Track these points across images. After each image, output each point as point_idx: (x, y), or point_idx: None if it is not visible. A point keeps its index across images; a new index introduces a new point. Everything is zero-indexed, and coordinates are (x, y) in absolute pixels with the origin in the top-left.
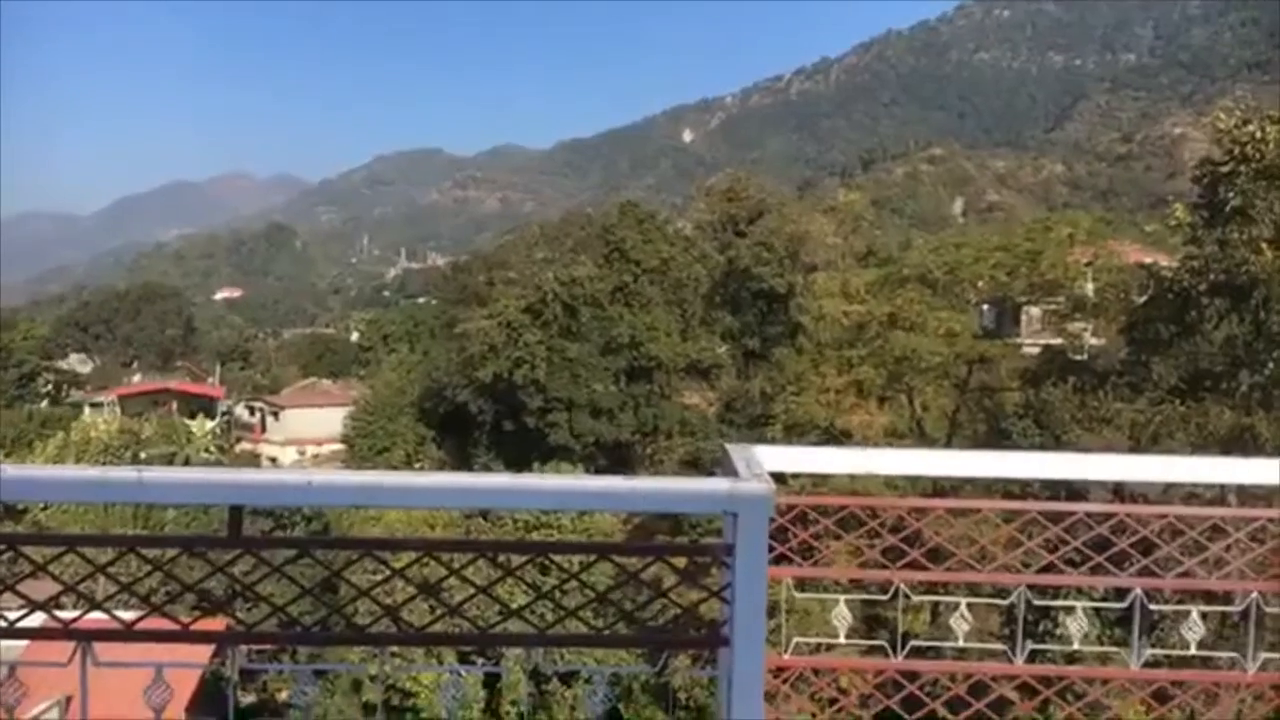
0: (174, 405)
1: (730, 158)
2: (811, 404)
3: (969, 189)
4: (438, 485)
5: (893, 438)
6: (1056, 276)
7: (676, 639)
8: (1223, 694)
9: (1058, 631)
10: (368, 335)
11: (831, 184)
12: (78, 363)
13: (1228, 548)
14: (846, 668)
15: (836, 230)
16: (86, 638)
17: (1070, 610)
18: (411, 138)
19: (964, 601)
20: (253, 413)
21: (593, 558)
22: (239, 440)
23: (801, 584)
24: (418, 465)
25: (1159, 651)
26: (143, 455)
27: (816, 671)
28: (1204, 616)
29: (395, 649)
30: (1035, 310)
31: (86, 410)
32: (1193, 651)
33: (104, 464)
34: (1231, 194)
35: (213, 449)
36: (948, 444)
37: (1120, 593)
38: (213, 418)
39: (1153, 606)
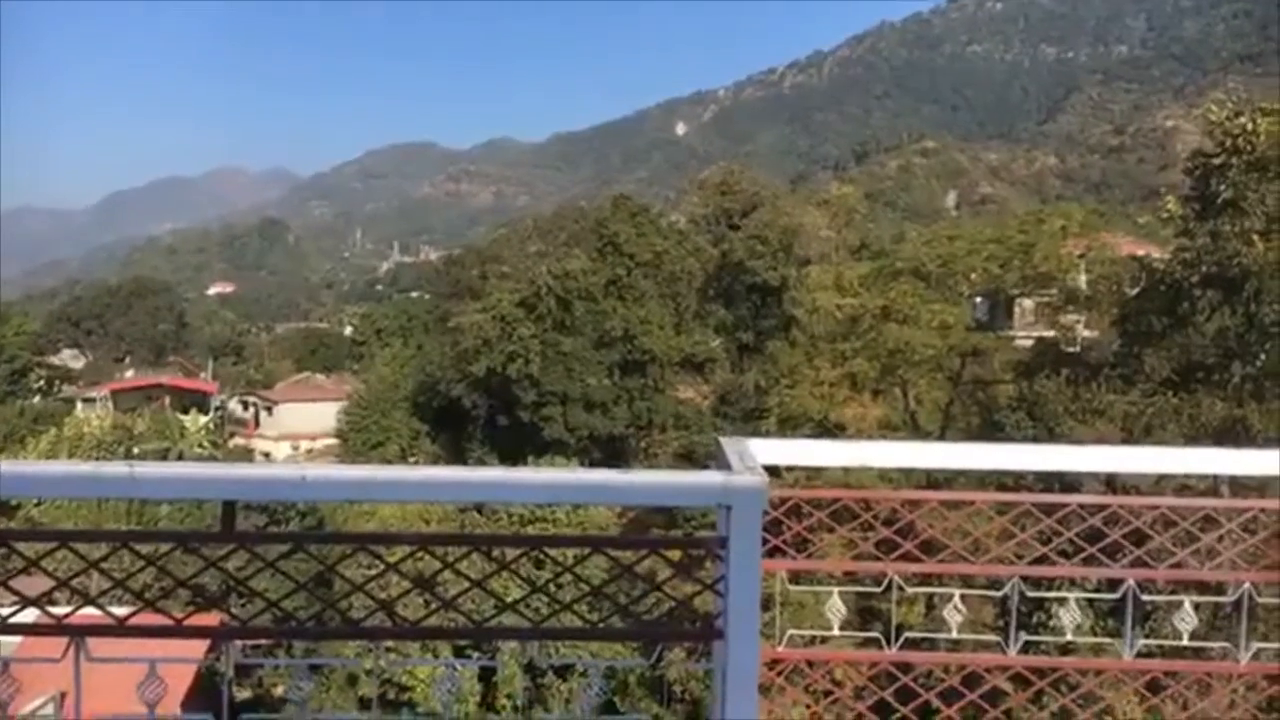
0: (167, 400)
1: (723, 151)
2: (805, 397)
3: (962, 181)
4: (432, 479)
5: (886, 430)
6: (1049, 269)
7: (671, 632)
8: (1215, 684)
9: (1051, 623)
10: (361, 329)
11: (825, 177)
12: (70, 358)
13: (1220, 538)
14: (841, 660)
15: (830, 223)
16: (80, 633)
17: (1063, 601)
18: (404, 131)
19: (958, 593)
20: (246, 408)
21: (587, 551)
22: (232, 435)
23: (796, 576)
24: (412, 460)
25: (1152, 642)
26: (136, 451)
27: (811, 664)
28: (1196, 607)
29: (390, 643)
30: (1028, 302)
31: (79, 406)
32: (1185, 642)
33: (97, 460)
34: (1223, 186)
35: (206, 444)
36: (941, 437)
37: (1113, 584)
38: (206, 413)
39: (1145, 597)
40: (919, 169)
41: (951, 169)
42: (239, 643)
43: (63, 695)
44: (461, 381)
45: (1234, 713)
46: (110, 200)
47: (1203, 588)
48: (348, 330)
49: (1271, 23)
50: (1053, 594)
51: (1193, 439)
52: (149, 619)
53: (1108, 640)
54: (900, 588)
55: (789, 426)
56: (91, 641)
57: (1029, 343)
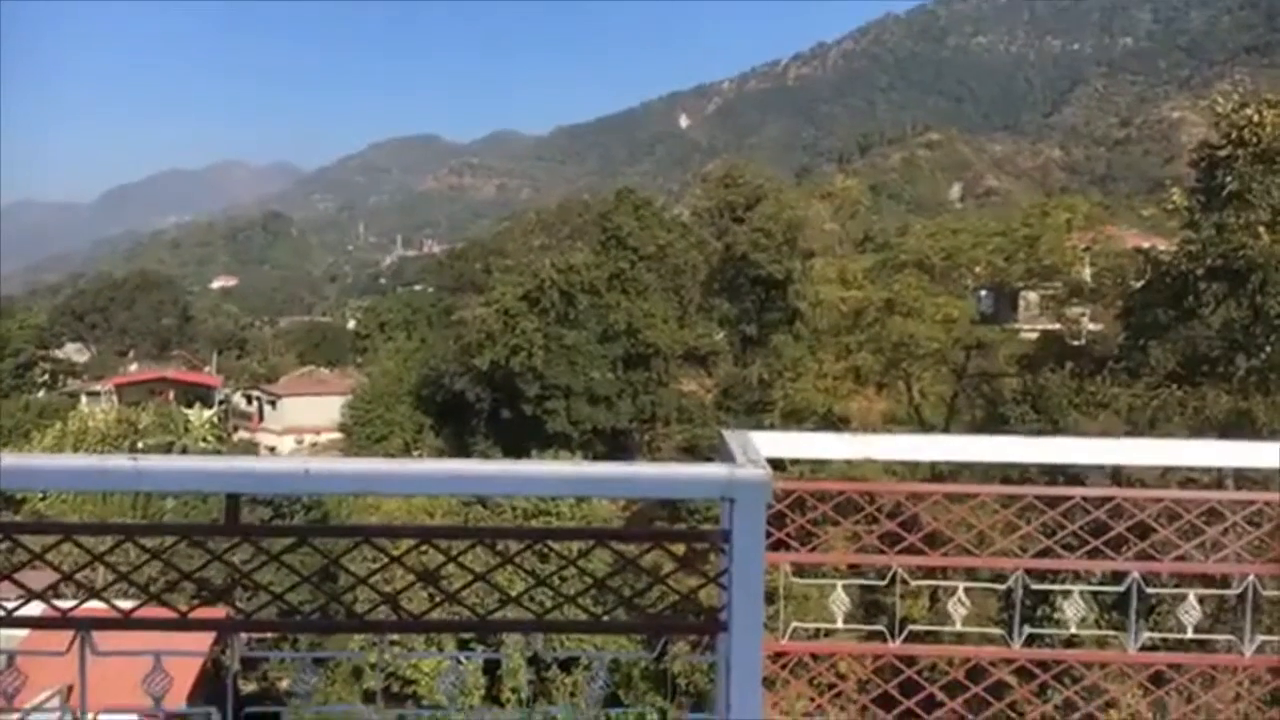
0: (171, 394)
1: (727, 144)
2: (809, 390)
3: (966, 174)
4: (435, 473)
5: (891, 423)
6: (1054, 261)
7: (675, 625)
8: (1220, 677)
9: (1055, 615)
10: (365, 323)
11: (829, 169)
12: (74, 352)
13: (1225, 531)
14: (845, 653)
15: (834, 216)
16: (85, 626)
17: (1068, 594)
18: (406, 124)
19: (962, 586)
20: (250, 401)
21: (591, 545)
22: (237, 429)
23: (800, 569)
24: (416, 453)
25: (1156, 635)
26: (140, 445)
27: (815, 657)
28: (1201, 600)
29: (395, 636)
30: (1033, 295)
31: (84, 400)
32: (1190, 635)
33: (102, 453)
34: (1229, 178)
35: (210, 438)
36: (945, 430)
37: (1118, 576)
38: (210, 407)
39: (1150, 590)
40: (923, 161)
41: (956, 161)
42: (244, 636)
43: (69, 688)
44: (465, 375)
45: (1238, 705)
46: (113, 194)
47: (1207, 580)
48: (351, 324)
49: (1278, 14)
50: (1057, 587)
51: (1198, 432)
52: (154, 612)
53: (1112, 633)
54: (904, 581)
55: (793, 419)
56: (97, 635)
57: (1034, 335)
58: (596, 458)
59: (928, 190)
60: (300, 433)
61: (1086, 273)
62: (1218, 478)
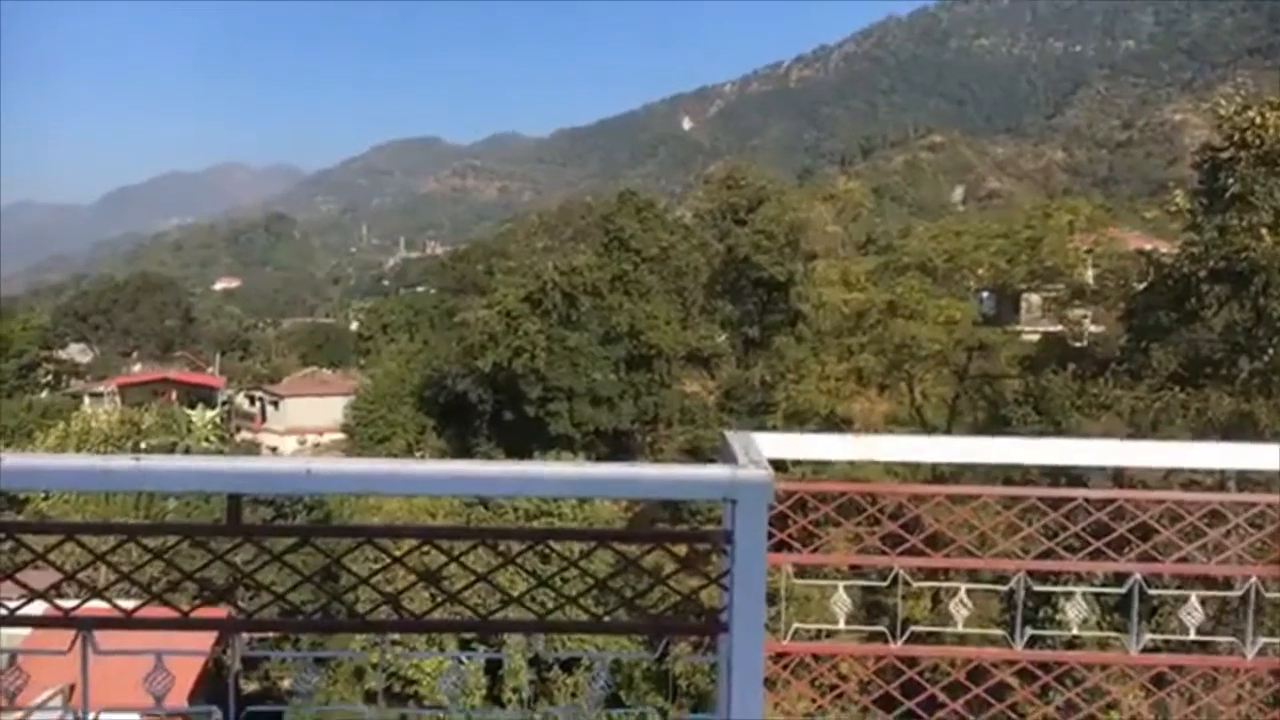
0: (174, 395)
1: (729, 146)
2: (812, 392)
3: (969, 176)
4: (437, 473)
5: (893, 425)
6: (1056, 263)
7: (676, 626)
8: (1222, 679)
9: (1057, 617)
10: (367, 324)
11: (831, 172)
12: (77, 353)
13: (1227, 533)
14: (847, 654)
15: (836, 218)
16: (87, 626)
17: (1070, 596)
18: (409, 127)
19: (964, 587)
20: (253, 402)
21: (593, 545)
22: (239, 430)
23: (801, 571)
24: (418, 454)
25: (1158, 636)
26: (143, 445)
27: (817, 658)
28: (1203, 602)
29: (396, 636)
30: (1035, 297)
31: (86, 400)
32: (1192, 636)
33: (104, 454)
34: (1231, 180)
35: (213, 439)
36: (948, 431)
37: (1120, 578)
38: (213, 407)
39: (1152, 592)
40: (926, 164)
41: (958, 164)
42: (246, 635)
43: (71, 688)
44: (468, 376)
45: (1240, 707)
46: (114, 196)
47: (1209, 582)
48: (354, 325)
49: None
50: (1059, 588)
51: (1200, 434)
52: (156, 612)
53: (1114, 635)
54: (906, 582)
55: (795, 421)
56: (99, 634)
57: (1036, 337)
58: (599, 459)
59: (930, 192)
60: (303, 433)
61: (1089, 275)
62: (1220, 480)
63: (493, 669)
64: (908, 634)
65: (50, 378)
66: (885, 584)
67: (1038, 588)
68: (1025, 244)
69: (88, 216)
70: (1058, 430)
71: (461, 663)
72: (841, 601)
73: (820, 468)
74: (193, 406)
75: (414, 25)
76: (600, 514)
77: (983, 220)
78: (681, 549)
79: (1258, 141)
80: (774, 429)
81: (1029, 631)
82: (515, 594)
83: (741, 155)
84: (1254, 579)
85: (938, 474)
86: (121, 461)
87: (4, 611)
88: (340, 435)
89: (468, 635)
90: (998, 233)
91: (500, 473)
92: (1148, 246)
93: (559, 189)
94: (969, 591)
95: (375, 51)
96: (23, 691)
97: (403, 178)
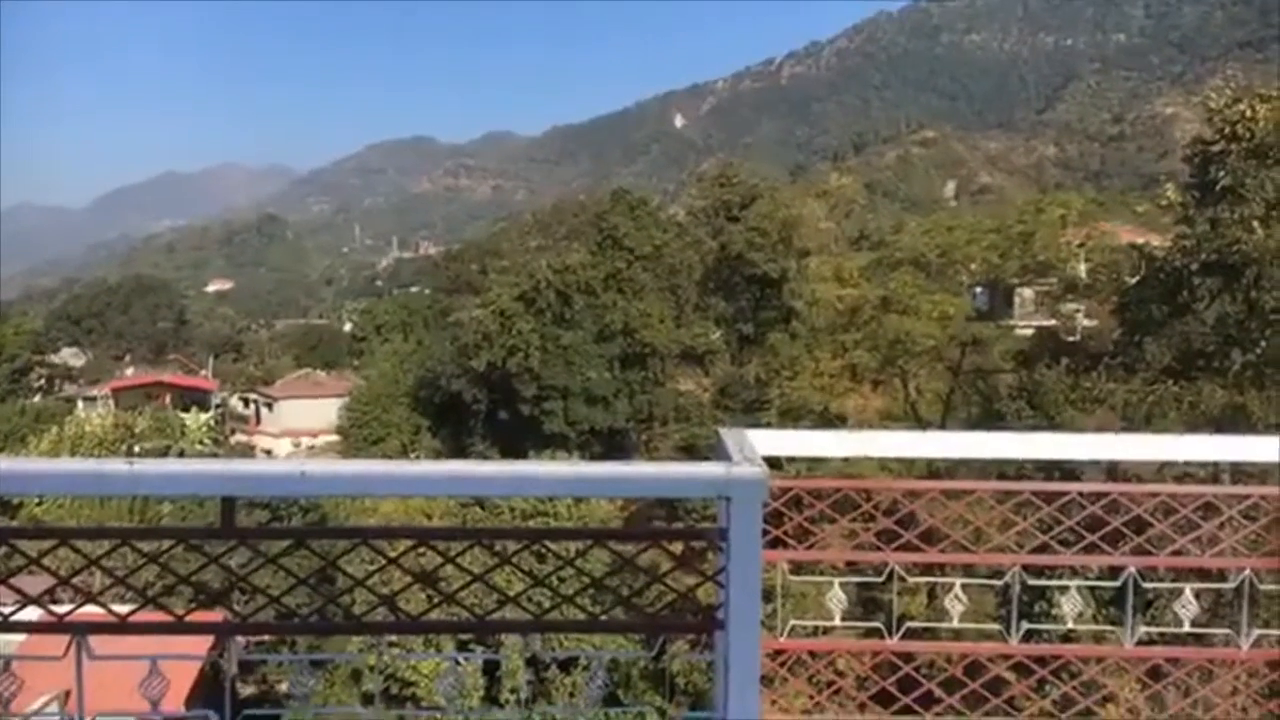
0: (167, 398)
1: (721, 143)
2: (806, 388)
3: (961, 171)
4: (432, 474)
5: (887, 421)
6: (1049, 258)
7: (673, 624)
8: (1217, 671)
9: (1053, 611)
10: (361, 325)
11: (823, 168)
12: (70, 356)
13: (1221, 525)
14: (843, 650)
15: (829, 214)
16: (82, 631)
17: (1064, 590)
18: (401, 126)
19: (959, 583)
20: (247, 404)
21: (589, 544)
22: (234, 432)
23: (797, 567)
24: (413, 455)
25: (1153, 629)
26: (137, 449)
27: (813, 654)
28: (1197, 594)
29: (393, 638)
30: (1028, 292)
31: (80, 404)
32: (1186, 629)
33: (98, 457)
34: (1222, 173)
35: (207, 441)
36: (942, 426)
37: (1114, 571)
38: (207, 410)
39: (1147, 585)
40: (918, 159)
41: (950, 159)
42: (241, 639)
43: (66, 693)
44: (462, 376)
45: (1236, 699)
46: (109, 198)
47: (1204, 575)
48: (348, 326)
49: (1271, 9)
50: (1054, 582)
51: (1193, 426)
52: (151, 616)
53: (1109, 628)
54: (901, 578)
55: (790, 418)
56: (94, 639)
57: (1029, 332)
58: (594, 458)
59: (922, 188)
60: (297, 435)
61: (1081, 269)
62: (1214, 472)
63: (490, 669)
64: (904, 630)
65: (43, 382)
66: (881, 580)
67: (1033, 582)
68: (1017, 239)
69: (82, 219)
70: (1051, 425)
71: (459, 663)
72: (837, 598)
73: (815, 464)
74: (186, 409)
75: (406, 24)
76: (596, 513)
77: (975, 215)
78: (677, 547)
79: (1248, 134)
80: (768, 426)
81: (1024, 626)
82: (512, 594)
83: (734, 152)
84: (1248, 571)
85: (932, 469)
86: (115, 465)
87: None
88: (335, 437)
89: (465, 636)
90: (990, 228)
91: (495, 473)
92: (1140, 240)
93: (552, 187)
94: (964, 586)
95: (368, 51)
96: (17, 697)
97: (396, 177)
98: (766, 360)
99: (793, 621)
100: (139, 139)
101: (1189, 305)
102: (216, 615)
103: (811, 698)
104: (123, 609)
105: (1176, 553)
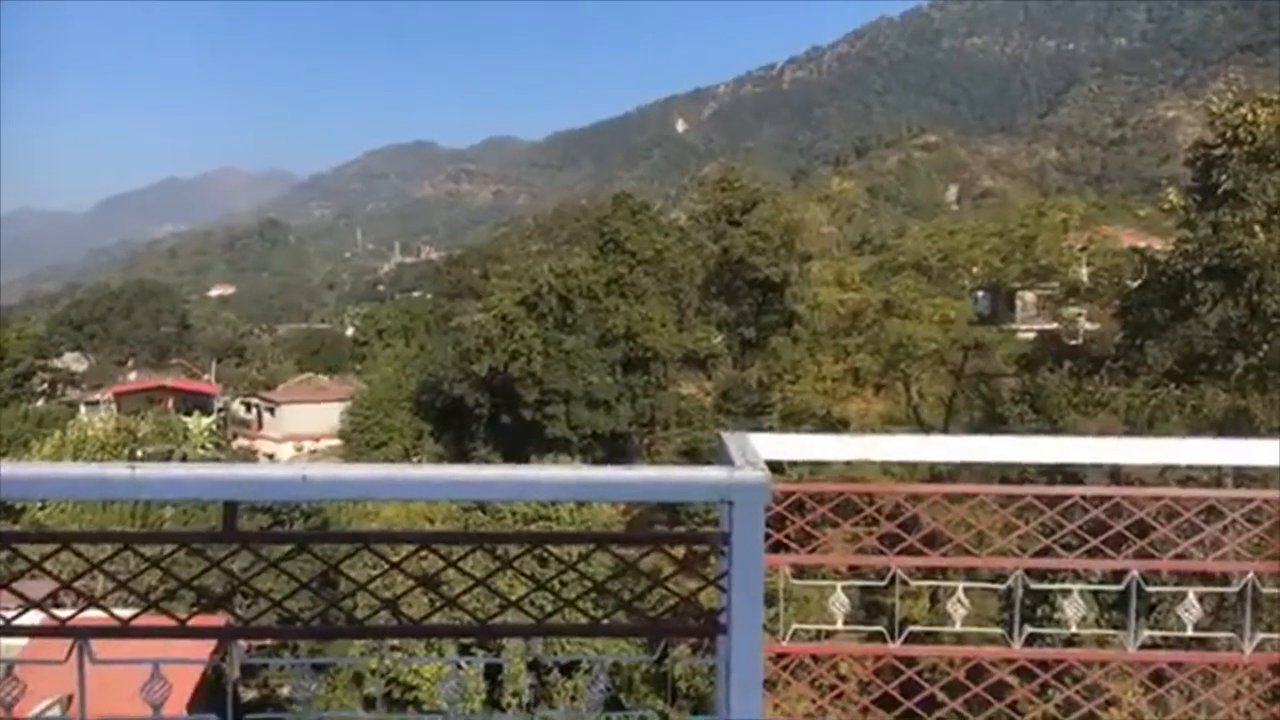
0: (170, 403)
1: (723, 147)
2: (808, 392)
3: (963, 175)
4: (434, 478)
5: (889, 424)
6: (1051, 262)
7: (675, 628)
8: (1220, 675)
9: (1055, 615)
10: (363, 330)
11: (825, 172)
12: (73, 361)
13: (1224, 529)
14: (846, 654)
15: (831, 219)
16: (84, 635)
17: (1067, 593)
18: (403, 130)
19: (961, 586)
20: (249, 409)
21: (591, 548)
22: (236, 437)
23: (799, 571)
24: (415, 459)
25: (1156, 633)
26: (139, 453)
27: (816, 658)
28: (1201, 598)
29: (395, 642)
30: (1030, 296)
31: (82, 409)
32: (1190, 633)
33: (100, 462)
34: (1224, 177)
35: (209, 446)
36: (944, 430)
37: (1117, 575)
38: (209, 414)
39: (1150, 588)
40: (919, 163)
41: (952, 163)
42: (243, 643)
43: (69, 698)
44: (464, 381)
45: (1239, 703)
46: (110, 203)
47: (1207, 578)
48: (350, 331)
49: (1272, 12)
50: (1057, 586)
51: (1196, 430)
52: (153, 620)
53: (1112, 632)
54: (904, 582)
55: (792, 422)
56: (96, 643)
57: (1031, 336)
58: (596, 462)
59: (924, 192)
60: (299, 440)
61: (1083, 273)
62: (1216, 476)
63: (492, 673)
64: (906, 634)
65: (46, 387)
66: (883, 584)
67: (1035, 586)
68: (1019, 242)
69: (84, 224)
70: (1054, 428)
71: (461, 667)
72: (840, 602)
73: (817, 468)
74: (189, 414)
75: (407, 28)
76: (598, 517)
77: (977, 219)
78: (679, 551)
79: (1250, 138)
80: (770, 430)
81: (1027, 630)
82: (514, 598)
83: (735, 157)
84: (1251, 575)
85: (935, 473)
86: (117, 470)
87: (1, 621)
88: (337, 441)
89: (467, 640)
90: (992, 231)
91: (497, 477)
92: (1141, 244)
93: (554, 192)
94: (967, 590)
95: (369, 55)
96: (20, 701)
97: (397, 182)
98: (768, 364)
99: (795, 625)
100: (140, 143)
101: (1191, 309)
102: (218, 619)
103: (814, 702)
104: (125, 613)
105: (1179, 556)
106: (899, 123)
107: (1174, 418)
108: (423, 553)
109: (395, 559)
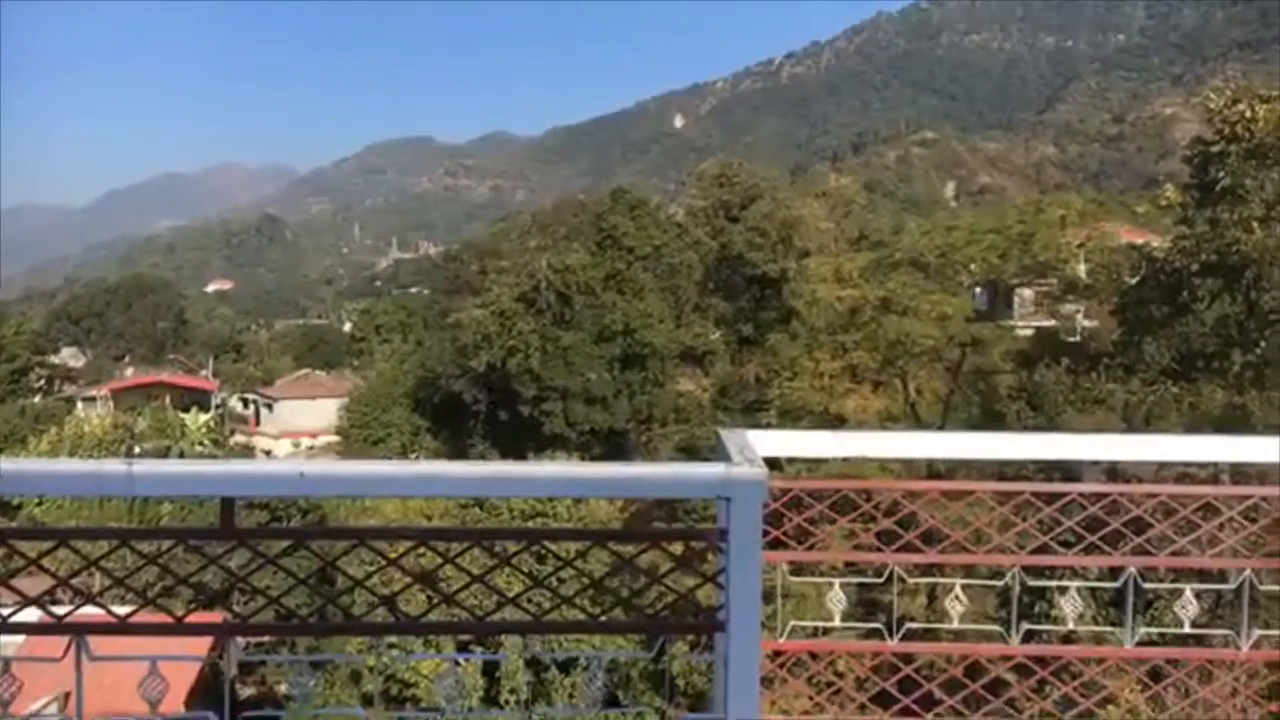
0: (167, 398)
1: (721, 143)
2: (806, 389)
3: (961, 172)
4: (431, 474)
5: (887, 421)
6: (1049, 258)
7: (673, 625)
8: (1217, 671)
9: (1053, 612)
10: (360, 326)
11: (823, 168)
12: (70, 356)
13: (1221, 526)
14: (843, 651)
15: (829, 215)
16: (81, 632)
17: (1064, 590)
18: (401, 126)
19: (959, 583)
20: (247, 405)
21: (588, 545)
22: (233, 433)
23: (797, 568)
24: (413, 455)
25: (1153, 630)
26: (137, 449)
27: (813, 655)
28: (1197, 595)
29: (393, 639)
30: (1028, 292)
31: (79, 405)
32: (1186, 630)
33: (97, 458)
34: (1222, 174)
35: (207, 442)
36: (942, 427)
37: (1114, 572)
38: (206, 410)
39: (1147, 585)
40: (917, 159)
41: (950, 159)
42: (241, 640)
43: (67, 695)
44: (462, 377)
45: (1235, 700)
46: (109, 197)
47: (1204, 575)
48: (347, 326)
49: (1271, 10)
50: (1054, 583)
51: (1193, 427)
52: (150, 617)
53: (1109, 629)
54: (901, 579)
55: (789, 418)
56: (93, 640)
57: (1029, 332)
58: (594, 458)
59: (922, 188)
60: (297, 436)
61: (1081, 269)
62: (1214, 473)
63: (490, 670)
64: (904, 630)
65: (43, 382)
66: (881, 581)
67: (1033, 583)
68: (1017, 239)
69: (83, 219)
70: (1051, 425)
71: (458, 664)
72: (837, 599)
73: (815, 465)
74: (186, 410)
75: (405, 24)
76: (596, 513)
77: (975, 216)
78: (677, 548)
79: (1248, 135)
80: (768, 426)
81: (1024, 626)
82: (511, 595)
83: (734, 152)
84: (1248, 572)
85: (932, 470)
86: (114, 466)
87: None
88: (334, 437)
89: (465, 637)
90: (990, 228)
91: (495, 473)
92: (1139, 241)
93: (551, 187)
94: (964, 587)
95: (367, 51)
96: (17, 698)
97: (395, 177)
98: (766, 361)
99: (793, 622)
100: (139, 138)
101: (1188, 306)
102: (216, 616)
103: (811, 699)
104: (122, 610)
105: (1176, 553)
106: (897, 119)
107: (1171, 414)
108: (420, 549)
109: (392, 555)
